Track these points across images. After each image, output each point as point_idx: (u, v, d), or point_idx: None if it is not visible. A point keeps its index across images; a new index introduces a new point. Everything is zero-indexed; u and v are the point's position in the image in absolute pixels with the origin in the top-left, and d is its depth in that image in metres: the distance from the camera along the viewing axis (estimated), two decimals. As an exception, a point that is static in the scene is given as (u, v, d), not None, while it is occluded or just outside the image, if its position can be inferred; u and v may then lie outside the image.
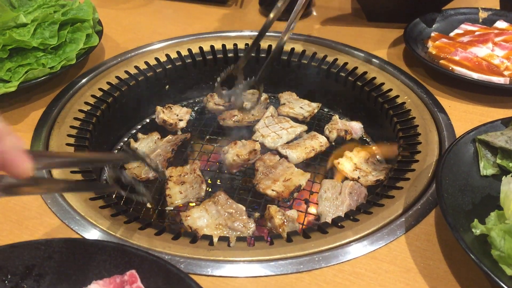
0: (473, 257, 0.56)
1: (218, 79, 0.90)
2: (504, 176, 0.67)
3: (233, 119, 1.06)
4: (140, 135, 1.05)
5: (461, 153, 0.74)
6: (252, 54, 1.17)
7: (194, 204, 0.88)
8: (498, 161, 0.73)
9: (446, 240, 0.66)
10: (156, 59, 1.14)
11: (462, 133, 0.78)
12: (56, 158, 0.52)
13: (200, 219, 0.80)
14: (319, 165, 0.99)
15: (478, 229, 0.61)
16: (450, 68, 1.02)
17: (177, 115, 1.08)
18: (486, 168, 0.73)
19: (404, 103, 0.98)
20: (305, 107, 1.12)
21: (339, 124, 1.03)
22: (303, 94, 1.18)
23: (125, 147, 0.69)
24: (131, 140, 1.04)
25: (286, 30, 0.91)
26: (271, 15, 0.86)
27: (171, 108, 1.10)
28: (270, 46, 1.18)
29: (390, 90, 1.02)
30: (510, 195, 0.63)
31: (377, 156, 1.04)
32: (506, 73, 1.00)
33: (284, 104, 1.13)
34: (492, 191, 0.70)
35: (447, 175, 0.69)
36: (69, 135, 0.90)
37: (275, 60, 0.96)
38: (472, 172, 0.73)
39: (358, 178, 0.91)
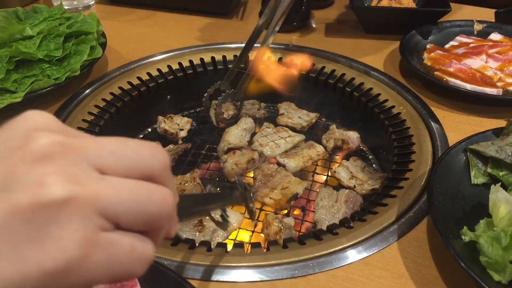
0: (461, 263, 0.57)
1: (205, 94, 1.02)
2: (492, 185, 0.69)
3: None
4: (141, 144, 1.07)
5: (453, 162, 0.76)
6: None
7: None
8: (489, 170, 0.75)
9: (437, 247, 0.68)
10: (158, 70, 1.16)
11: (454, 143, 0.80)
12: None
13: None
14: (316, 174, 1.01)
15: (467, 236, 0.62)
16: (445, 79, 1.04)
17: (178, 124, 1.11)
18: (477, 177, 0.75)
19: (399, 113, 1.00)
20: (304, 117, 1.14)
21: (336, 134, 1.06)
22: (302, 104, 1.20)
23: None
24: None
25: (267, 35, 0.93)
26: (260, 22, 0.88)
27: (172, 118, 1.12)
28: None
29: (386, 100, 1.05)
30: (498, 203, 0.65)
31: (373, 165, 1.07)
32: (499, 84, 1.03)
33: (282, 114, 1.15)
34: (482, 199, 0.71)
35: (439, 184, 0.71)
36: (73, 144, 0.93)
37: (254, 70, 1.00)
38: (464, 180, 0.75)
39: (354, 186, 0.93)
